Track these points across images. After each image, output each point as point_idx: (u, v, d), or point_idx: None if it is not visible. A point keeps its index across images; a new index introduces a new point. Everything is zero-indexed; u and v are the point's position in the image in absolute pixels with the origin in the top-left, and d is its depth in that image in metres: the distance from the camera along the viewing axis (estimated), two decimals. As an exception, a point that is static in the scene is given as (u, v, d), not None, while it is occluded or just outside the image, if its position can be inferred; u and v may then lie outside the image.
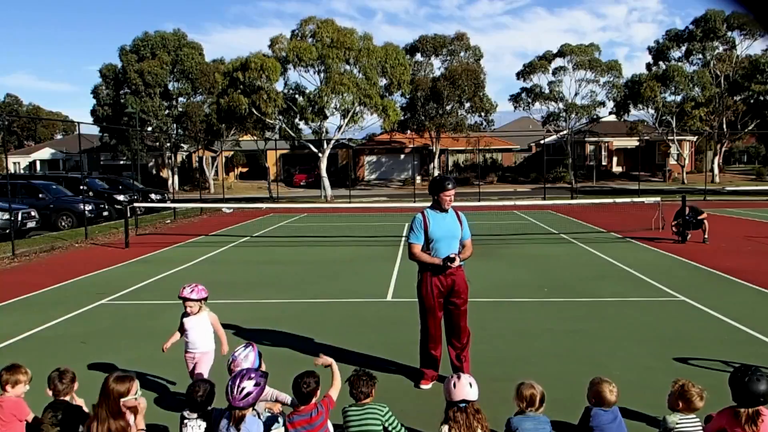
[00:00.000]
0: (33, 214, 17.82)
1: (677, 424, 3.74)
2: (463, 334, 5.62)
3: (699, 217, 14.24)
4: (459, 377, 3.77)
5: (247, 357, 4.12)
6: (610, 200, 20.61)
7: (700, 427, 3.79)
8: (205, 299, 5.14)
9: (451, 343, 5.64)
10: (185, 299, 5.07)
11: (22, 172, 52.01)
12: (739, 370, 3.62)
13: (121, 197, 23.97)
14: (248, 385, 3.54)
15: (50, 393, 4.05)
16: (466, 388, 3.69)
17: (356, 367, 4.34)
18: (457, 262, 5.36)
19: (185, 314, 5.09)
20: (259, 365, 4.17)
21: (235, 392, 3.53)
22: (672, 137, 40.55)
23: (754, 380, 3.47)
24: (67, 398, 4.06)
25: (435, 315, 5.56)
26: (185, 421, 3.81)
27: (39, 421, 3.95)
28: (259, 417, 3.86)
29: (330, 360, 4.18)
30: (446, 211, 5.54)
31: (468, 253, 5.62)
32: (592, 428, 3.77)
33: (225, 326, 7.60)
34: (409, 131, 42.76)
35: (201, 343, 5.07)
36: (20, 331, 7.54)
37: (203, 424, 3.78)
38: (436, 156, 44.01)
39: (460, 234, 5.55)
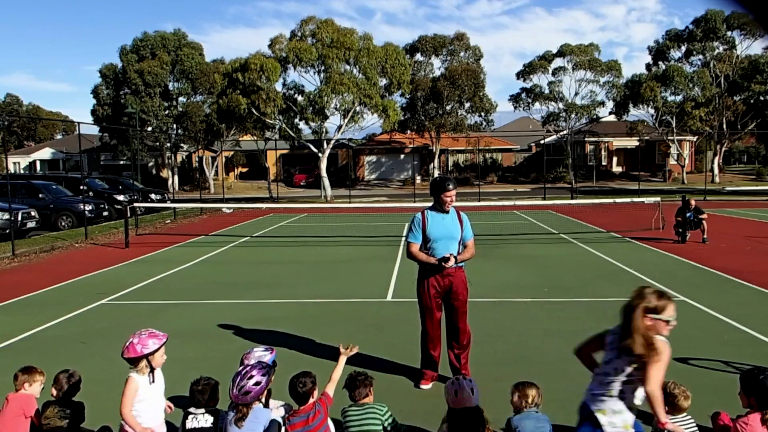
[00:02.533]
0: (33, 214, 17.81)
1: None
2: (462, 335, 5.60)
3: (700, 216, 14.26)
4: (461, 385, 3.67)
5: (262, 358, 4.13)
6: (610, 200, 20.60)
7: (694, 426, 3.80)
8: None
9: (450, 345, 5.63)
10: (149, 354, 3.73)
11: (22, 172, 52.01)
12: (752, 372, 3.62)
13: (121, 197, 23.97)
14: (248, 384, 3.56)
15: (54, 392, 4.09)
16: (468, 396, 3.63)
17: (355, 368, 4.36)
18: (451, 263, 5.31)
19: (149, 371, 3.78)
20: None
21: (235, 390, 3.57)
22: (672, 137, 40.55)
23: None
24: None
25: (432, 315, 5.55)
26: (189, 416, 3.82)
27: (43, 416, 3.97)
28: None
29: (345, 353, 4.26)
30: (447, 211, 5.52)
31: (468, 254, 5.56)
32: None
33: (226, 326, 7.64)
34: (409, 131, 42.75)
35: (157, 415, 3.87)
36: (20, 331, 7.54)
37: (210, 418, 3.78)
38: (436, 156, 44.00)
39: (460, 235, 5.50)
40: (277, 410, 4.13)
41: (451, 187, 5.44)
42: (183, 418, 3.85)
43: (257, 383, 3.58)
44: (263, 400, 3.72)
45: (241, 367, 3.75)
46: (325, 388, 3.99)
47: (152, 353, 3.77)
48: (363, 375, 4.05)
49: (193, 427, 3.76)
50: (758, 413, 3.51)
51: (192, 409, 3.85)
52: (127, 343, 3.77)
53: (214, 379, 3.94)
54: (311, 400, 3.78)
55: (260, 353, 4.17)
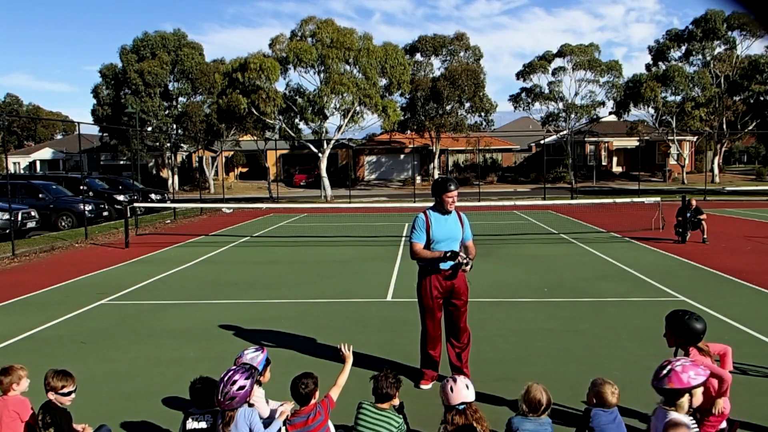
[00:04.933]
0: (33, 214, 17.81)
1: None
2: (463, 334, 5.62)
3: (699, 217, 14.27)
4: (455, 381, 3.71)
5: (253, 359, 4.11)
6: (610, 200, 20.60)
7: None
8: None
9: (451, 343, 5.64)
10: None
11: (22, 172, 52.01)
12: (677, 313, 4.12)
13: (121, 197, 23.97)
14: (232, 389, 3.56)
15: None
16: (464, 391, 3.66)
17: (385, 366, 4.28)
18: (468, 267, 5.35)
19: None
20: (263, 372, 4.15)
21: (220, 396, 3.58)
22: (672, 137, 40.55)
23: (693, 320, 4.04)
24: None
25: (434, 316, 5.55)
26: (190, 417, 3.81)
27: (31, 421, 3.94)
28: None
29: (348, 355, 4.20)
30: (449, 212, 5.53)
31: (471, 254, 5.60)
32: (592, 429, 3.77)
33: (226, 327, 7.64)
34: (409, 131, 42.75)
35: None
36: (20, 331, 7.54)
37: (210, 419, 3.78)
38: (436, 156, 44.00)
39: (461, 236, 5.54)
40: (282, 407, 4.12)
41: (452, 187, 5.44)
42: (183, 419, 3.85)
43: (241, 387, 3.57)
44: (250, 401, 3.72)
45: (224, 373, 3.72)
46: (329, 391, 3.96)
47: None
48: (394, 377, 3.89)
49: (193, 428, 3.76)
50: (693, 348, 3.96)
51: (192, 410, 3.85)
52: (665, 371, 2.88)
53: (213, 379, 3.93)
54: (312, 401, 3.77)
55: (252, 355, 4.15)
